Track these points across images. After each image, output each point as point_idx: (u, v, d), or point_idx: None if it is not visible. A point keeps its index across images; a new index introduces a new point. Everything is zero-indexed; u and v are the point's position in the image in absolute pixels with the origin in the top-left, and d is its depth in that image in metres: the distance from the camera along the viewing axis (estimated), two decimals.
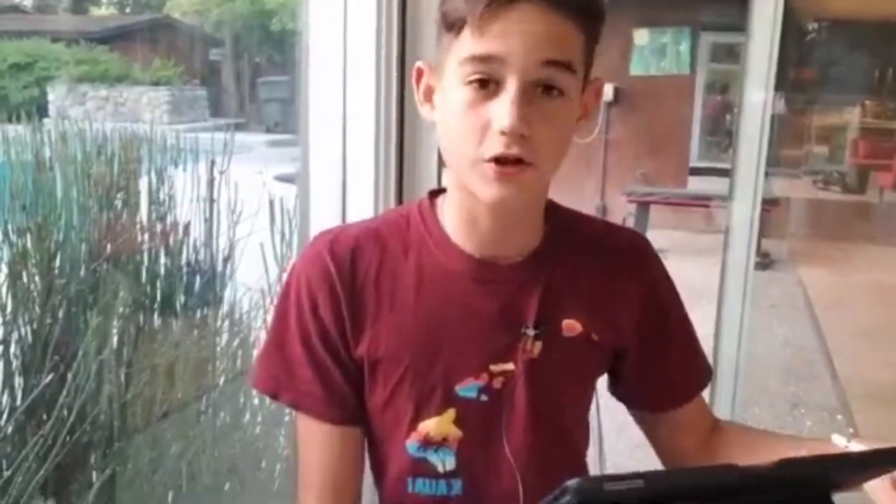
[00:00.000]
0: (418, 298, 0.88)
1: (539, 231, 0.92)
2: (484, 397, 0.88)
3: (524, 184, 0.80)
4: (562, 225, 0.94)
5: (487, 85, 0.77)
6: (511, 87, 0.76)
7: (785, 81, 7.79)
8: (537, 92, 0.78)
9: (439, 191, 0.95)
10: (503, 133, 0.76)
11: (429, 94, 0.87)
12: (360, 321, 0.88)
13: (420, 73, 0.88)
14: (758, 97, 1.78)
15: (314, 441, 0.91)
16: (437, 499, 0.90)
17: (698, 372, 1.00)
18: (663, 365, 0.96)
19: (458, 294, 0.88)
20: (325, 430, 0.90)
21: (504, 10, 0.75)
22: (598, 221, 1.01)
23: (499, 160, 0.78)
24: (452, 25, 0.79)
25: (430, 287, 0.88)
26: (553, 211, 0.94)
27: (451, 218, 0.90)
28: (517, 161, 0.78)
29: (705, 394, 1.01)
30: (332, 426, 0.90)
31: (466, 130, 0.79)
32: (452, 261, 0.89)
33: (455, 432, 0.89)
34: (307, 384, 0.89)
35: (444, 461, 0.89)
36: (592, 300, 0.92)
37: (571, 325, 0.90)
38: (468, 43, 0.77)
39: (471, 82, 0.78)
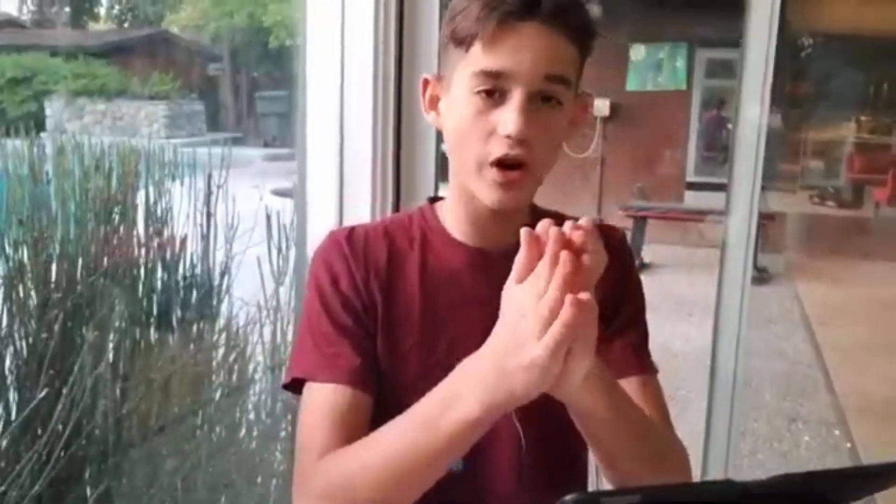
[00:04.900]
0: (422, 284, 0.97)
1: (526, 222, 0.98)
2: None
3: (523, 187, 0.91)
4: (544, 218, 1.00)
5: (493, 94, 0.87)
6: (516, 97, 0.86)
7: (781, 97, 7.83)
8: (538, 101, 0.87)
9: (438, 198, 1.05)
10: (508, 137, 0.86)
11: (434, 103, 0.97)
12: (372, 303, 0.95)
13: (426, 84, 0.98)
14: (753, 112, 1.79)
15: (339, 410, 0.90)
16: None
17: (632, 361, 0.98)
18: (604, 345, 0.97)
19: (456, 279, 0.97)
20: (355, 397, 0.90)
21: (512, 29, 0.85)
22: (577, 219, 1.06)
23: (502, 163, 0.87)
24: (462, 41, 0.88)
25: (433, 274, 0.97)
26: (536, 209, 1.03)
27: (453, 217, 1.00)
28: (519, 165, 0.88)
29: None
30: (362, 394, 0.91)
31: (474, 134, 0.88)
32: (451, 250, 0.98)
33: None
34: (345, 357, 0.91)
35: None
36: None
37: None
38: (479, 58, 0.87)
39: (479, 92, 0.87)
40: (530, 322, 0.72)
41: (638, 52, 8.46)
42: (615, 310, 0.99)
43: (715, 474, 1.78)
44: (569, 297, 0.70)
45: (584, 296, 0.71)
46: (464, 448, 0.81)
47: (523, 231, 0.75)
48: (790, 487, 0.64)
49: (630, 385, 0.95)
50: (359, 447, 0.85)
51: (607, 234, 1.06)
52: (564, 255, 0.72)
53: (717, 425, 1.86)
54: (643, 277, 1.09)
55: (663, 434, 0.94)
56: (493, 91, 0.87)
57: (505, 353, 0.74)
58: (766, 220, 5.99)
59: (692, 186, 8.51)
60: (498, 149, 0.87)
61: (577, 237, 0.73)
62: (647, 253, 7.04)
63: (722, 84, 8.61)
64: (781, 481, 0.62)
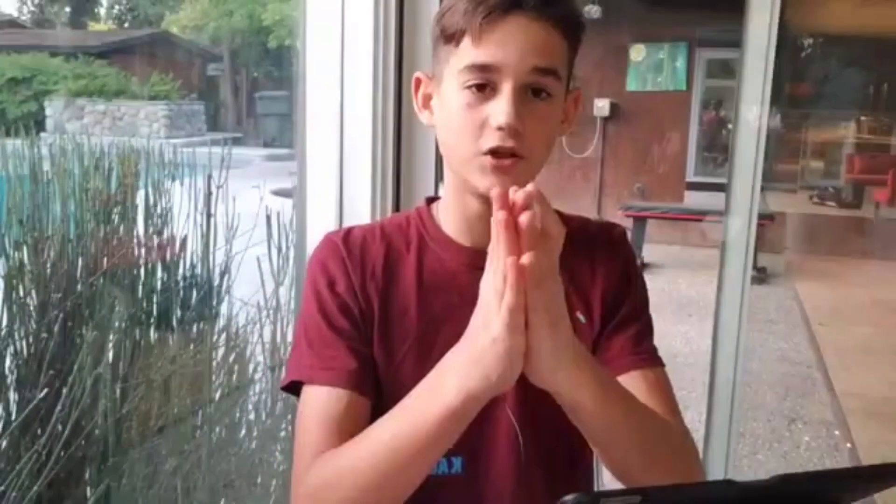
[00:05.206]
0: (419, 286, 0.96)
1: None
2: None
3: (517, 175, 0.88)
4: None
5: (484, 88, 0.87)
6: (506, 89, 0.86)
7: (780, 97, 7.84)
8: (528, 94, 0.88)
9: (435, 198, 1.04)
10: (500, 128, 0.86)
11: (426, 102, 0.97)
12: (369, 306, 0.95)
13: (418, 83, 0.98)
14: (753, 113, 1.79)
15: (335, 412, 0.90)
16: (438, 477, 0.92)
17: (635, 355, 0.97)
18: (606, 340, 0.97)
19: (454, 281, 0.96)
20: (351, 399, 0.90)
21: (499, 21, 0.86)
22: (577, 217, 1.06)
23: (495, 152, 0.87)
24: (451, 37, 0.88)
25: (429, 276, 0.96)
26: None
27: (448, 217, 0.99)
28: (511, 154, 0.88)
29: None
30: (359, 396, 0.91)
31: (466, 128, 0.89)
32: (448, 252, 0.98)
33: None
34: (341, 360, 0.91)
35: None
36: (574, 282, 0.98)
37: None
38: (467, 52, 0.87)
39: (469, 86, 0.88)
40: (490, 298, 0.73)
41: (638, 52, 8.46)
42: (616, 304, 0.99)
43: (715, 474, 1.78)
44: (508, 260, 0.70)
45: (526, 258, 0.70)
46: (446, 440, 0.80)
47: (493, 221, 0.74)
48: (790, 488, 0.64)
49: (634, 379, 0.94)
50: (349, 445, 0.85)
51: (607, 231, 1.06)
52: (500, 215, 0.71)
53: (717, 425, 1.86)
54: None
55: (668, 427, 0.91)
56: (484, 85, 0.87)
57: (476, 336, 0.75)
58: (766, 221, 5.99)
59: (692, 186, 8.52)
60: (490, 140, 0.87)
61: (518, 198, 0.73)
62: (647, 253, 7.05)
63: (722, 84, 8.62)
64: (781, 481, 0.62)
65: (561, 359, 0.76)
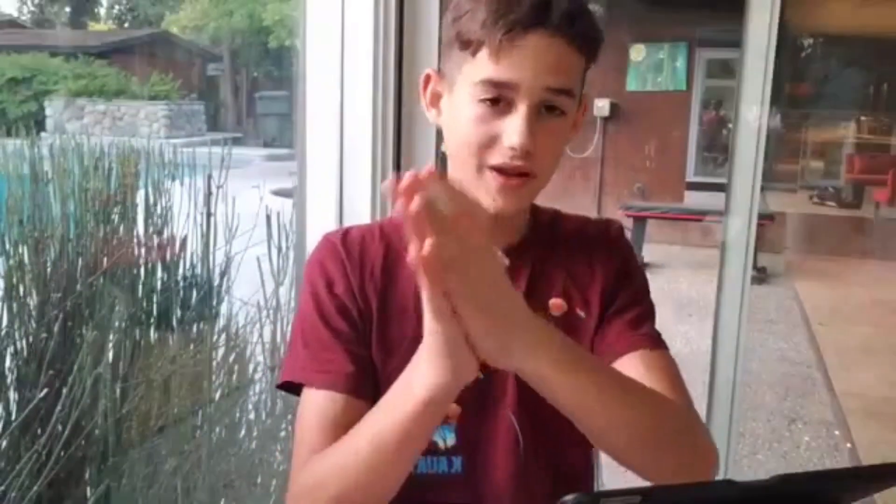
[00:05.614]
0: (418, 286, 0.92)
1: (524, 224, 1.00)
2: (479, 374, 0.91)
3: (524, 194, 0.90)
4: (545, 219, 1.03)
5: (497, 103, 0.86)
6: (521, 108, 0.85)
7: (780, 97, 7.84)
8: (541, 111, 0.87)
9: None
10: (512, 148, 0.85)
11: (435, 100, 0.95)
12: (367, 307, 0.94)
13: (428, 79, 0.96)
14: (753, 113, 1.79)
15: (332, 415, 0.89)
16: (438, 477, 0.93)
17: (631, 337, 0.94)
18: (605, 326, 0.96)
19: None
20: (348, 402, 0.89)
21: (520, 38, 0.84)
22: (576, 216, 1.06)
23: (502, 170, 0.87)
24: (468, 45, 0.87)
25: None
26: (535, 208, 1.02)
27: None
28: (520, 173, 0.87)
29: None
30: (356, 399, 0.90)
31: (476, 141, 0.87)
32: None
33: (454, 408, 0.91)
34: (338, 363, 0.91)
35: (445, 438, 0.93)
36: (574, 280, 0.98)
37: (557, 304, 0.95)
38: (484, 66, 0.86)
39: (483, 100, 0.86)
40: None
41: (638, 52, 8.47)
42: (614, 296, 0.98)
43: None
44: (410, 249, 0.63)
45: (426, 247, 0.62)
46: (424, 432, 0.79)
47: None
48: (790, 487, 0.64)
49: (632, 360, 0.92)
50: (338, 444, 0.85)
51: (605, 229, 1.06)
52: (397, 206, 0.62)
53: (717, 425, 1.86)
54: None
55: (670, 408, 0.87)
56: (498, 99, 0.86)
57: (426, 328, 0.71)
58: (766, 221, 5.99)
59: (692, 186, 8.52)
60: (499, 157, 0.86)
61: (402, 186, 0.62)
62: (647, 253, 7.05)
63: (722, 84, 8.62)
64: (781, 481, 0.62)
65: (506, 337, 0.70)
